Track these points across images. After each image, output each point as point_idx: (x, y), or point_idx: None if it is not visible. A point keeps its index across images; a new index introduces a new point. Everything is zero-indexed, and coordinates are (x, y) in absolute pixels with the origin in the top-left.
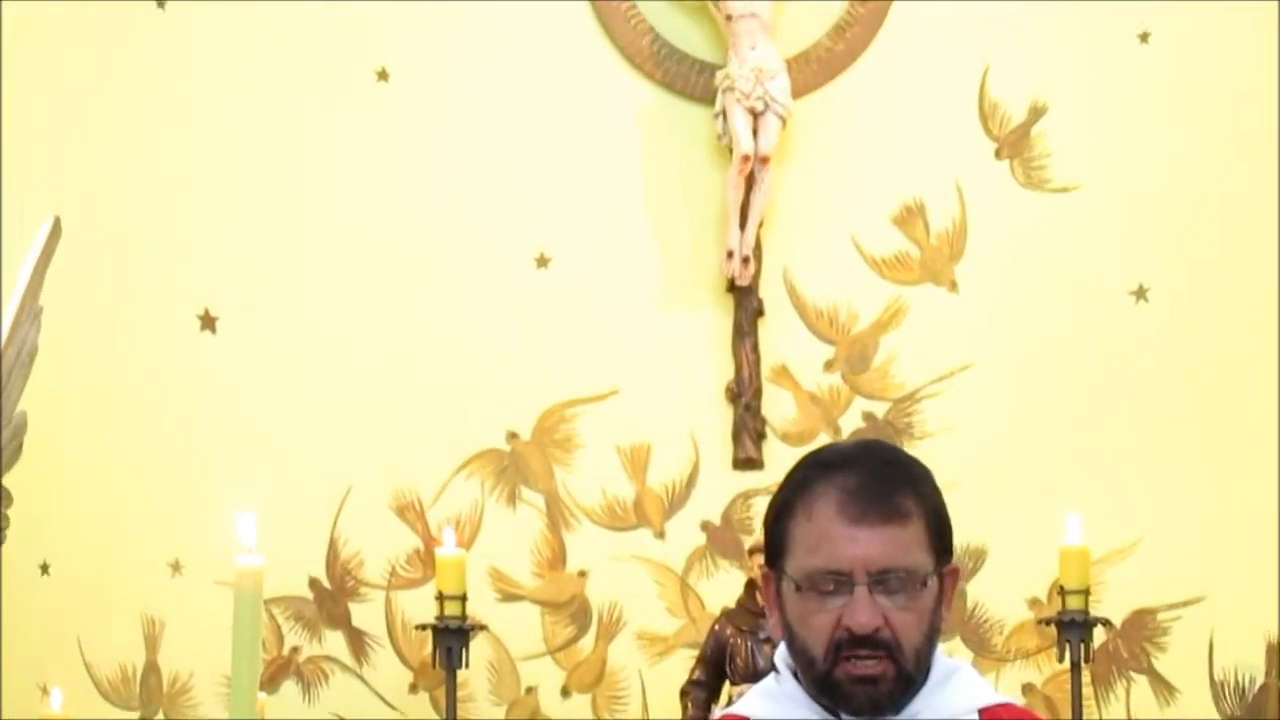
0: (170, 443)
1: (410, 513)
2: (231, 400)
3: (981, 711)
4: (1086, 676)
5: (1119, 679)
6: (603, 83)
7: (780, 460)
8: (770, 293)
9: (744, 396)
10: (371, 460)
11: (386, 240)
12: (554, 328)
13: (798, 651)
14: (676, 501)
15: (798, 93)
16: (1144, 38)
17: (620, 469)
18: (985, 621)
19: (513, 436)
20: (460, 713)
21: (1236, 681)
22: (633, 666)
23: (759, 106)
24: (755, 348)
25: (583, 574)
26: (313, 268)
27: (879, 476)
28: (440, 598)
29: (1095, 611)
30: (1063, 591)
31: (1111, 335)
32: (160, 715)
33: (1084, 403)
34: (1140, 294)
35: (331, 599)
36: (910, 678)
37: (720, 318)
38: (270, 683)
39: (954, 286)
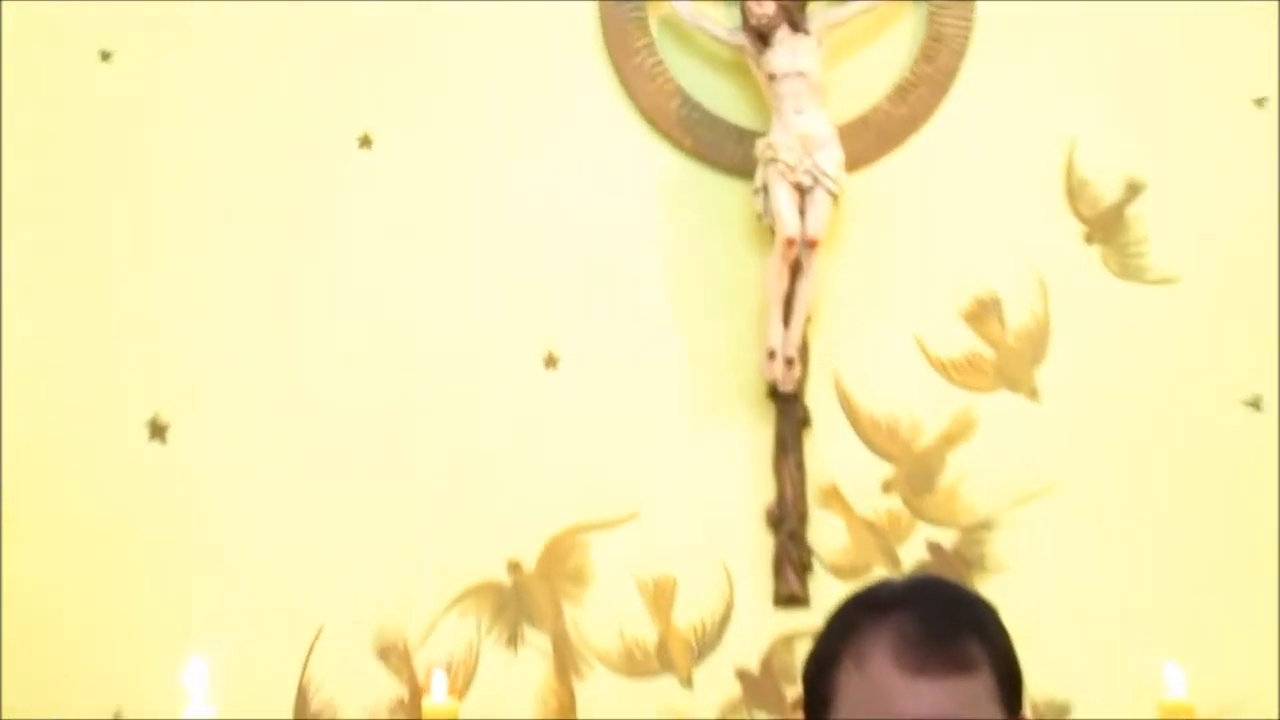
0: (112, 572)
1: (394, 655)
2: (184, 521)
3: None
4: None
5: None
6: (623, 151)
7: (828, 597)
8: (818, 400)
9: (787, 522)
10: (349, 593)
11: (368, 335)
12: (563, 439)
13: None
14: (707, 644)
15: (852, 165)
16: (1260, 103)
17: (641, 606)
18: None
19: (515, 567)
20: None
21: None
22: None
23: (806, 181)
24: (800, 465)
25: None
26: (280, 367)
27: (940, 619)
28: None
29: None
30: None
31: (1221, 452)
32: None
33: (1187, 532)
34: (1255, 403)
35: None
36: None
37: (759, 429)
38: None
39: (1034, 394)
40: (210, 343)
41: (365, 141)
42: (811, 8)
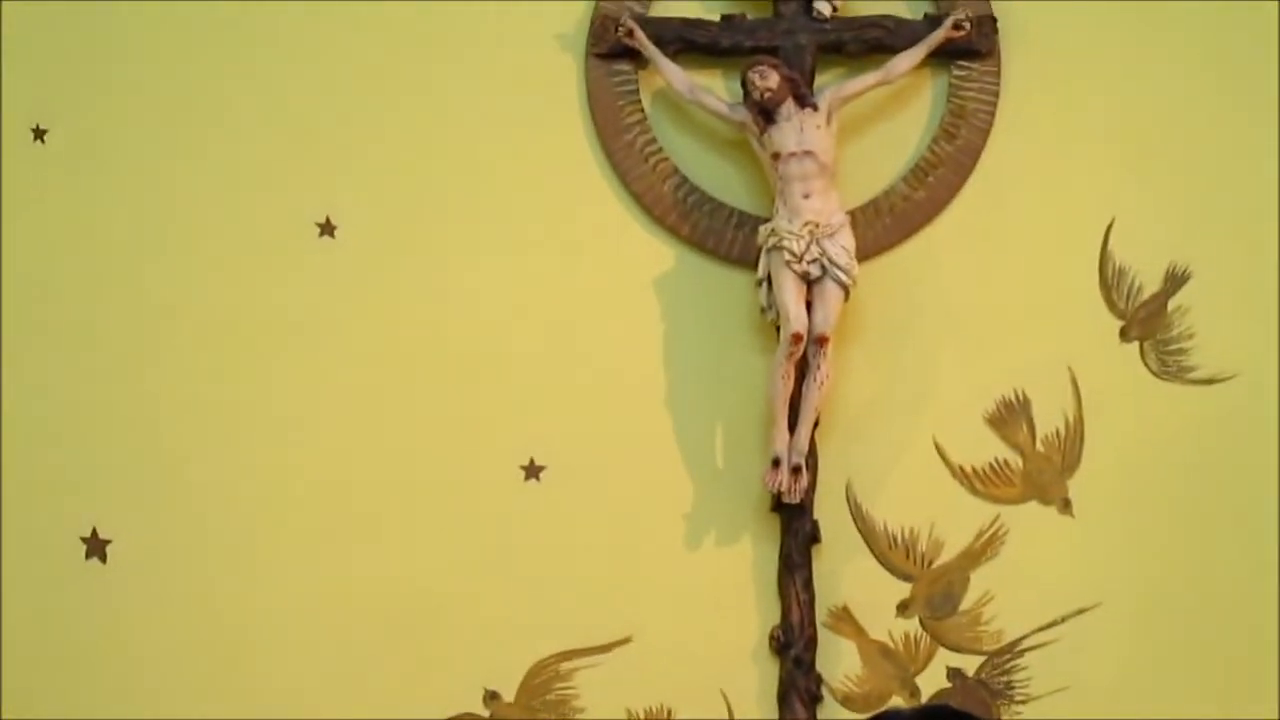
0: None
1: None
2: (123, 647)
3: None
4: None
5: None
6: (612, 238)
7: None
8: (828, 513)
9: (793, 647)
10: None
11: (326, 441)
12: (546, 556)
13: None
14: None
15: (865, 253)
16: None
17: None
18: None
19: (492, 697)
20: None
21: None
22: None
23: (814, 271)
24: (808, 584)
25: None
26: (233, 482)
27: None
28: None
29: None
30: None
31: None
32: None
33: (1241, 656)
34: None
35: None
36: None
37: (763, 545)
38: None
39: (1067, 506)
40: (154, 450)
41: (327, 228)
42: (820, 81)
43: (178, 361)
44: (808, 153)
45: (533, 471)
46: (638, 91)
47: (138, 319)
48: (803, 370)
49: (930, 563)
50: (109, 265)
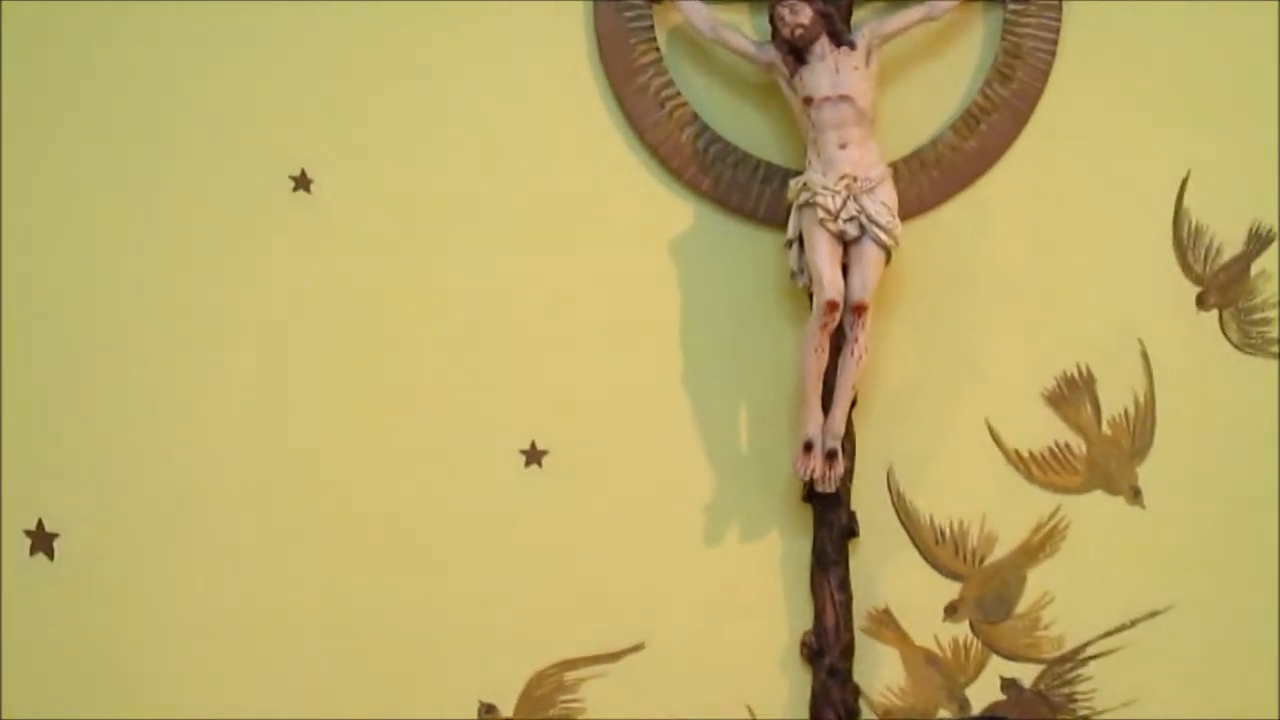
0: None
1: None
2: (73, 652)
3: None
4: None
5: None
6: (625, 195)
7: None
8: (867, 503)
9: (828, 655)
10: None
11: (306, 428)
12: (548, 552)
13: None
14: None
15: (908, 211)
16: None
17: None
18: None
19: (489, 711)
20: None
21: None
22: None
23: (851, 231)
24: (844, 584)
25: None
26: (197, 471)
27: None
28: None
29: None
30: None
31: None
32: None
33: None
34: None
35: None
36: None
37: (794, 540)
38: None
39: (1136, 495)
40: (108, 434)
41: (302, 182)
42: (858, 17)
43: (134, 335)
44: (844, 97)
45: (534, 456)
46: (652, 29)
47: (89, 288)
48: (838, 342)
49: (982, 560)
50: (58, 228)
